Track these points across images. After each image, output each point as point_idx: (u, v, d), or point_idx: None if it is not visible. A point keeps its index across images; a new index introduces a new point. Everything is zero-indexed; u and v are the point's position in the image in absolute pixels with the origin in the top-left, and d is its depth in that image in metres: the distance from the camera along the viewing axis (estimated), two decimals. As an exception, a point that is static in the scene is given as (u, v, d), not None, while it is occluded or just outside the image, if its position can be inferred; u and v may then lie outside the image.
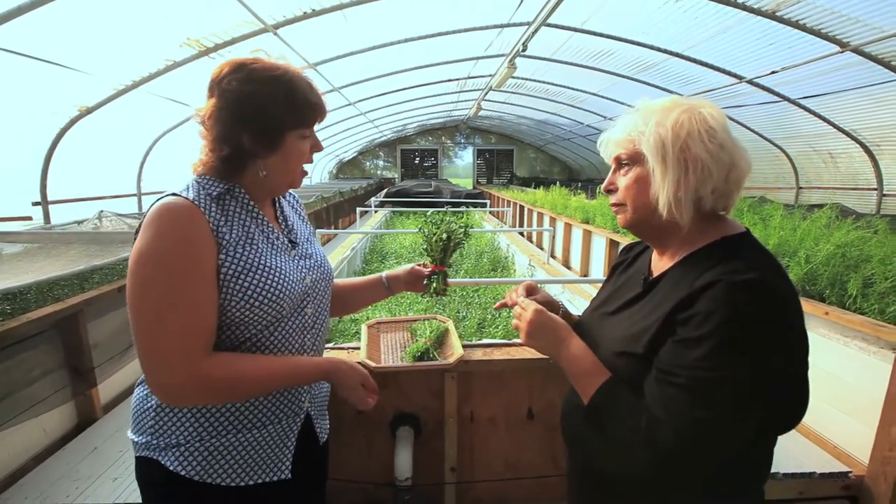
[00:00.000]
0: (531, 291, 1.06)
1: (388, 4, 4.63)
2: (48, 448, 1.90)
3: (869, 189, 7.05)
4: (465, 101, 12.47)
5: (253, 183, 0.95)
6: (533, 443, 1.74)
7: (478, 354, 1.63)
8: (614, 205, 0.94)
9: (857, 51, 4.98)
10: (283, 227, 1.05)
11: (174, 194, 0.88)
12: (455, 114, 15.45)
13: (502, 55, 7.51)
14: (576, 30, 6.22)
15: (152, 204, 0.87)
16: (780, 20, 4.90)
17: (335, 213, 9.01)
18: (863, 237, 2.68)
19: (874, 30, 4.69)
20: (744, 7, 4.81)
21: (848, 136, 6.73)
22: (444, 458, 1.68)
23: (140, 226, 0.87)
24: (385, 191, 9.81)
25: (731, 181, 0.83)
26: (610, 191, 0.94)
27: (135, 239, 0.86)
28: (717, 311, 0.72)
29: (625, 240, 4.09)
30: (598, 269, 4.79)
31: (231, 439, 0.92)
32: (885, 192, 6.84)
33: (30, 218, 4.32)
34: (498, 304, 1.12)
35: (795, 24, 4.93)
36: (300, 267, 1.01)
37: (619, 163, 0.91)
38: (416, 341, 1.61)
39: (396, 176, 19.42)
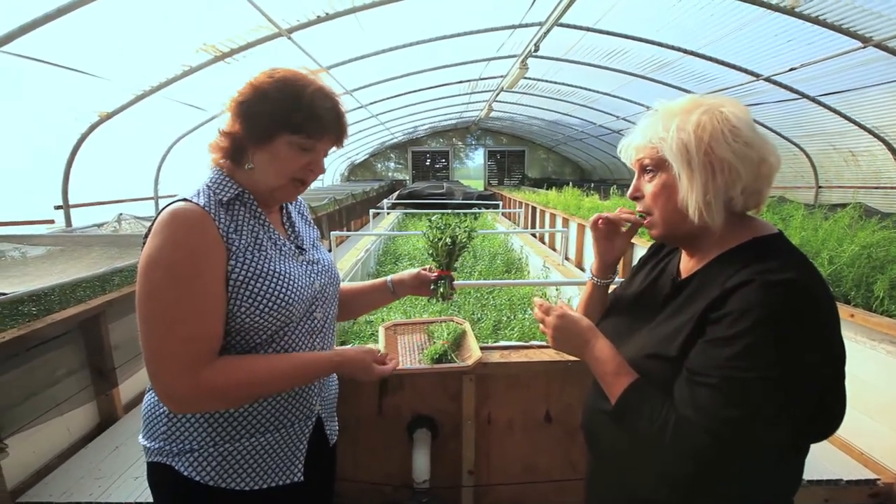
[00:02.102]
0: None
1: (402, 7, 4.65)
2: (72, 446, 1.94)
3: (892, 188, 6.87)
4: (477, 102, 12.45)
5: (249, 180, 0.94)
6: (550, 446, 1.73)
7: (495, 357, 1.62)
8: (641, 212, 0.93)
9: (881, 46, 4.85)
10: (289, 232, 1.06)
11: (184, 199, 0.88)
12: (466, 115, 15.44)
13: (514, 56, 7.49)
14: (589, 29, 6.17)
15: (162, 209, 0.87)
16: (799, 16, 4.79)
17: (348, 215, 9.07)
18: (889, 237, 2.61)
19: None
20: (761, 3, 4.72)
21: (870, 133, 6.55)
22: (460, 460, 1.67)
23: (149, 231, 0.87)
24: (397, 193, 9.85)
25: (761, 178, 0.80)
26: (636, 198, 0.92)
27: (144, 244, 0.86)
28: (752, 310, 0.70)
29: (640, 242, 4.04)
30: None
31: (245, 444, 0.93)
32: (909, 191, 6.67)
33: (52, 221, 4.43)
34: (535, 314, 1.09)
35: (815, 20, 4.82)
36: (309, 272, 1.01)
37: (643, 169, 0.89)
38: (434, 343, 1.61)
39: (407, 178, 19.48)
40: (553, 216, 7.32)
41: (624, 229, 1.06)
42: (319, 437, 1.07)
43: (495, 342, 2.02)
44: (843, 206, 3.67)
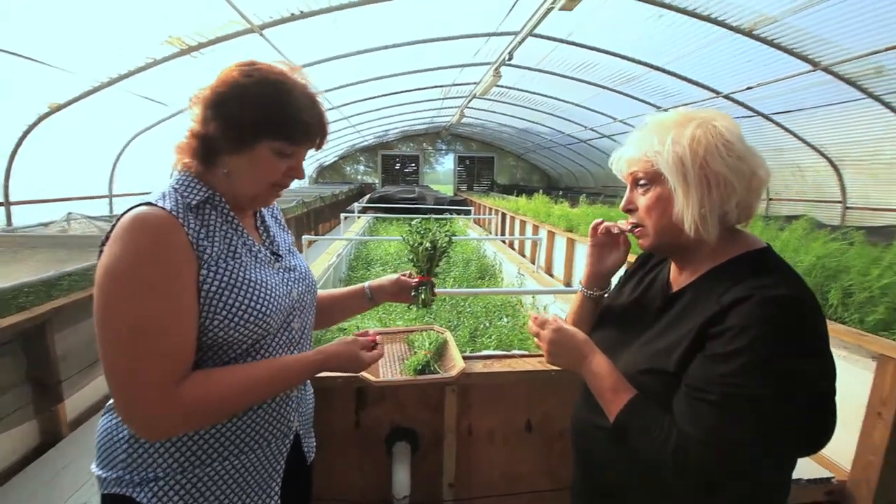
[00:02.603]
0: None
1: (380, 9, 4.59)
2: (7, 471, 1.75)
3: (834, 202, 7.37)
4: (449, 107, 12.51)
5: (223, 184, 0.87)
6: (530, 456, 1.71)
7: (478, 367, 1.59)
8: (634, 224, 0.92)
9: (828, 70, 5.21)
10: (264, 238, 0.99)
11: (149, 204, 0.79)
12: (437, 120, 15.49)
13: (488, 63, 7.57)
14: (561, 41, 6.32)
15: (123, 214, 0.78)
16: (757, 38, 5.08)
17: (316, 218, 8.86)
18: (841, 249, 2.77)
19: (844, 51, 4.92)
20: (723, 24, 4.97)
21: (815, 150, 7.03)
22: (441, 473, 1.63)
23: (107, 238, 0.78)
24: (368, 196, 9.73)
25: (752, 191, 0.81)
26: (629, 210, 0.92)
27: (100, 252, 0.77)
28: (752, 326, 0.70)
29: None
30: (577, 273, 4.84)
31: (217, 467, 0.85)
32: (848, 205, 7.17)
33: (-10, 219, 4.08)
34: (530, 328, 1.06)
35: (771, 43, 5.12)
36: (286, 280, 0.95)
37: (636, 182, 0.89)
38: (415, 353, 1.56)
39: (377, 181, 19.31)
40: (523, 223, 7.41)
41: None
42: (297, 455, 1.01)
43: (472, 350, 2.00)
44: (795, 217, 3.88)
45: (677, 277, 0.93)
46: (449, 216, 8.02)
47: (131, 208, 0.79)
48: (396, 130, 17.25)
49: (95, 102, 4.39)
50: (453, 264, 4.93)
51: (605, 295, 1.08)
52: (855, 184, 7.03)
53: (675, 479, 0.75)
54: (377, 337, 1.04)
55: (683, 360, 0.78)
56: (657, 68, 6.63)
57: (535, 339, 0.95)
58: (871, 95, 5.33)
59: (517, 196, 10.67)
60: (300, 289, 0.98)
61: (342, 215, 7.11)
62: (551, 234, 5.91)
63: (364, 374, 1.44)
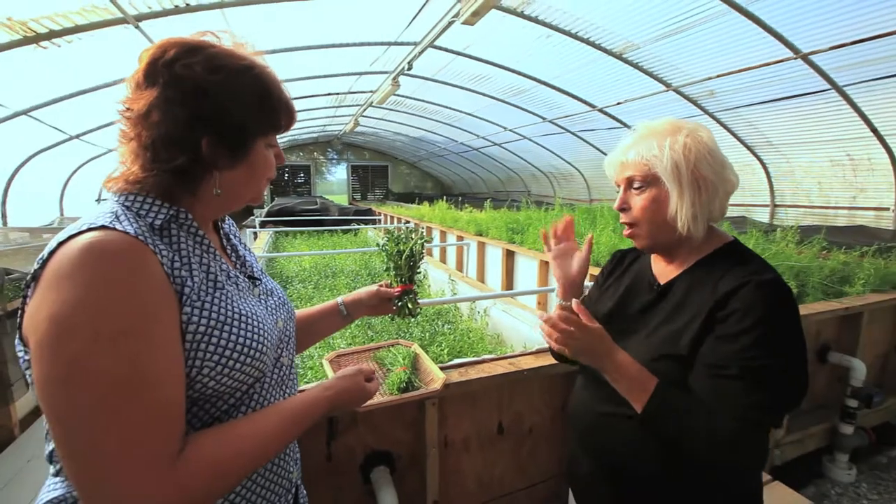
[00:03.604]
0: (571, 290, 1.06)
1: (275, 9, 4.28)
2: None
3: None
4: (342, 115, 12.17)
5: (199, 202, 0.73)
6: (503, 457, 1.74)
7: (455, 376, 1.56)
8: (627, 223, 1.00)
9: (677, 91, 6.23)
10: (233, 259, 0.84)
11: (103, 227, 0.60)
12: (329, 129, 14.96)
13: (386, 72, 7.55)
14: (459, 53, 6.58)
15: (58, 245, 0.59)
16: (626, 61, 5.88)
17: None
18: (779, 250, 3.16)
19: (687, 76, 5.93)
20: (599, 47, 5.65)
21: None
22: (424, 491, 1.56)
23: (34, 279, 0.59)
24: (266, 210, 8.97)
25: (728, 194, 0.95)
26: (623, 209, 0.99)
27: (25, 300, 0.59)
28: (755, 307, 0.82)
29: (522, 250, 4.40)
30: (496, 279, 5.05)
31: None
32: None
33: None
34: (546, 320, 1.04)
35: (636, 66, 5.96)
36: (270, 308, 0.82)
37: (630, 183, 0.97)
38: (390, 370, 1.48)
39: (265, 193, 17.96)
40: (429, 229, 7.51)
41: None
42: None
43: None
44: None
45: (664, 270, 1.03)
46: (356, 227, 7.78)
47: (72, 235, 0.59)
48: (285, 140, 16.25)
49: None
50: (376, 277, 4.79)
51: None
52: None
53: (709, 452, 0.82)
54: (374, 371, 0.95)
55: (694, 343, 0.87)
56: (544, 83, 7.28)
57: (550, 337, 0.94)
58: (706, 112, 6.49)
59: (418, 203, 10.79)
60: (284, 316, 0.85)
61: (248, 231, 6.45)
62: (460, 238, 6.09)
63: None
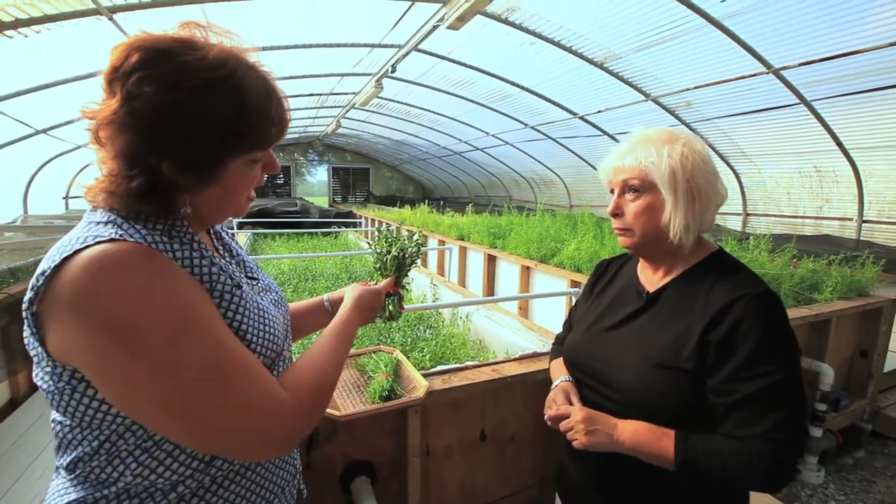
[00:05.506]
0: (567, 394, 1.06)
1: (259, 7, 4.20)
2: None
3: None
4: (324, 116, 12.03)
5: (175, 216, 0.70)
6: (486, 463, 1.72)
7: (437, 383, 1.54)
8: (620, 228, 1.00)
9: (656, 101, 6.38)
10: (228, 259, 0.83)
11: (112, 240, 0.58)
12: (311, 130, 14.76)
13: (370, 74, 7.50)
14: (443, 58, 6.58)
15: (64, 259, 0.56)
16: (607, 70, 5.99)
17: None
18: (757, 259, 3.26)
19: (665, 86, 6.08)
20: (582, 56, 5.74)
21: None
22: (405, 502, 1.53)
23: (37, 294, 0.57)
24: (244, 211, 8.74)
25: (718, 205, 0.95)
26: (616, 214, 0.99)
27: (34, 316, 0.57)
28: (754, 325, 0.82)
29: (503, 255, 4.41)
30: (477, 283, 5.05)
31: None
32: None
33: None
34: (550, 415, 1.04)
35: (616, 75, 6.08)
36: (274, 304, 0.84)
37: (625, 189, 0.96)
38: (372, 379, 1.45)
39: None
40: (411, 232, 7.46)
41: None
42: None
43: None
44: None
45: (651, 278, 1.03)
46: (337, 230, 7.68)
47: (75, 251, 0.56)
48: (264, 138, 15.95)
49: None
50: (358, 279, 4.72)
51: None
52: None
53: (759, 483, 0.80)
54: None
55: (696, 358, 0.86)
56: (527, 89, 7.35)
57: (568, 430, 0.95)
58: (683, 122, 6.67)
59: (400, 207, 10.73)
60: (283, 311, 0.86)
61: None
62: (441, 243, 6.07)
63: (328, 410, 1.29)
